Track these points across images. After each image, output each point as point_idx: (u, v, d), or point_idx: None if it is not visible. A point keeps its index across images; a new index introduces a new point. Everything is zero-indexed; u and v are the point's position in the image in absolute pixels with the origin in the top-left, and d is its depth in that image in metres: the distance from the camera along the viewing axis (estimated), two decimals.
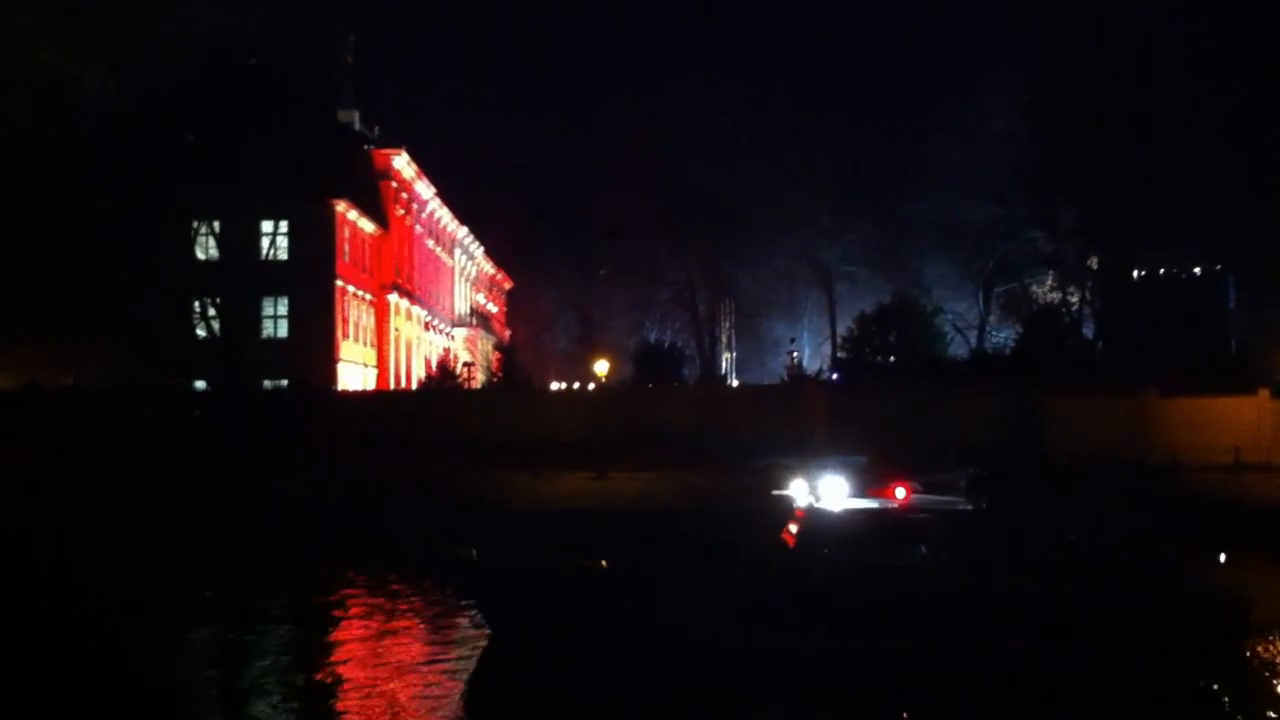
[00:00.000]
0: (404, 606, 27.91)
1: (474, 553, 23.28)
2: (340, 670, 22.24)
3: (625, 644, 21.52)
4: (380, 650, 23.78)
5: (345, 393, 64.30)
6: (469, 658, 22.86)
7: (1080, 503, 36.46)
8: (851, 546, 22.00)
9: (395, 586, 30.22)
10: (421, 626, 25.98)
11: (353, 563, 33.64)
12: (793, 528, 22.79)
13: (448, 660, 22.78)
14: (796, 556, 22.17)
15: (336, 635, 25.71)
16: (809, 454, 25.75)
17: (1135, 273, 74.99)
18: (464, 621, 25.52)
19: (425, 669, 22.22)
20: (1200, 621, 21.69)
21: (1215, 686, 21.21)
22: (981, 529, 22.71)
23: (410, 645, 24.22)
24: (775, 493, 24.13)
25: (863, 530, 22.27)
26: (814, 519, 22.54)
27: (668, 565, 23.17)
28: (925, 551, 22.08)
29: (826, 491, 22.98)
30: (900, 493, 23.01)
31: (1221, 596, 22.30)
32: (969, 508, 23.22)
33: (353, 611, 27.90)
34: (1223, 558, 26.14)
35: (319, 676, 21.94)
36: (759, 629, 21.31)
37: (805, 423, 53.70)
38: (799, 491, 23.37)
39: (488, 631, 23.55)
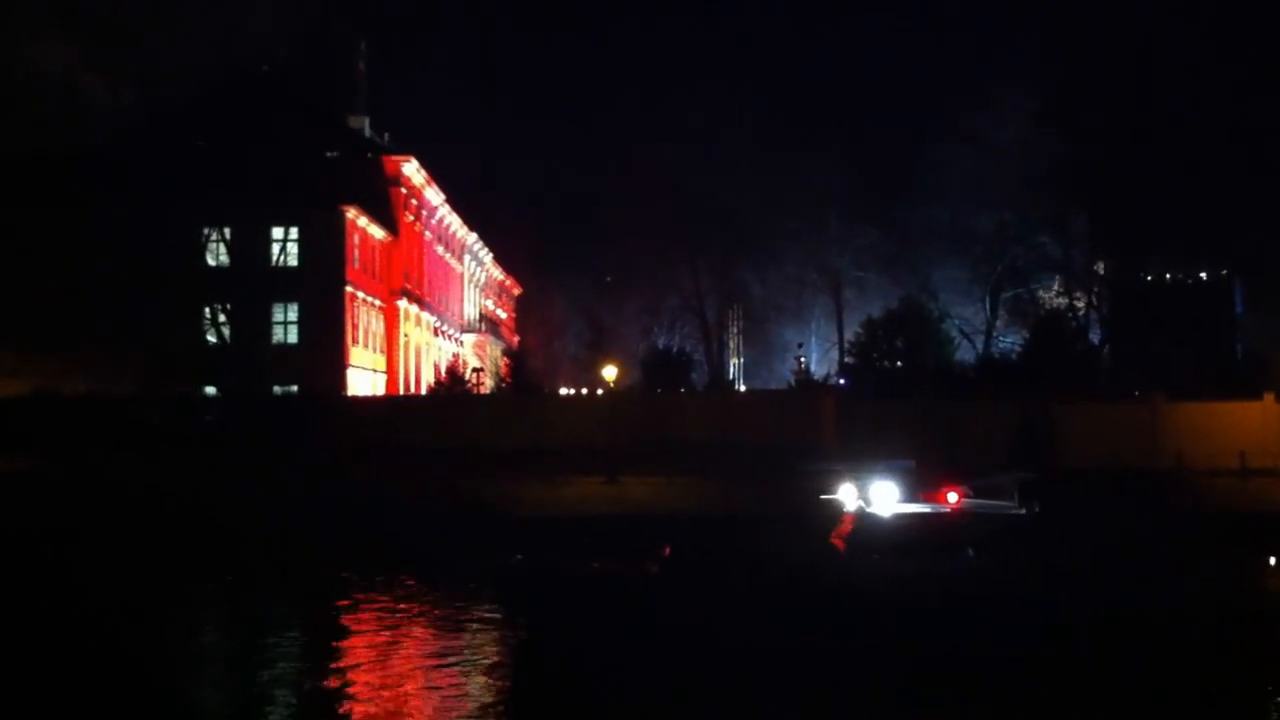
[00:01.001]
0: (414, 609, 28.03)
1: (520, 558, 23.27)
2: (349, 674, 22.29)
3: (675, 648, 21.25)
4: (390, 653, 23.88)
5: (355, 398, 64.41)
6: (477, 660, 22.90)
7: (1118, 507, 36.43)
8: (903, 551, 21.90)
9: (405, 590, 30.30)
10: (431, 630, 26.01)
11: (363, 567, 33.70)
12: (842, 532, 22.71)
13: (457, 663, 22.80)
14: (846, 561, 22.06)
15: (347, 639, 25.70)
16: (857, 459, 25.78)
17: (1142, 278, 75.00)
18: (474, 624, 25.69)
19: (435, 672, 22.24)
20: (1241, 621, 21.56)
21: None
22: (1035, 533, 22.56)
23: (420, 647, 24.31)
24: (824, 497, 24.16)
25: (915, 535, 22.18)
26: (864, 523, 22.44)
27: (718, 570, 22.99)
28: (977, 556, 21.97)
29: (877, 496, 22.91)
30: (952, 497, 22.94)
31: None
32: (1021, 512, 23.11)
33: (363, 615, 27.94)
34: (1273, 560, 26.16)
35: (327, 681, 21.94)
36: (808, 632, 21.08)
37: (815, 428, 53.97)
38: (847, 496, 23.35)
39: (523, 637, 23.36)
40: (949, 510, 22.81)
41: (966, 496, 23.27)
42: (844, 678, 20.66)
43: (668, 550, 22.99)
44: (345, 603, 29.45)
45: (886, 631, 21.04)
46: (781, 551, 23.68)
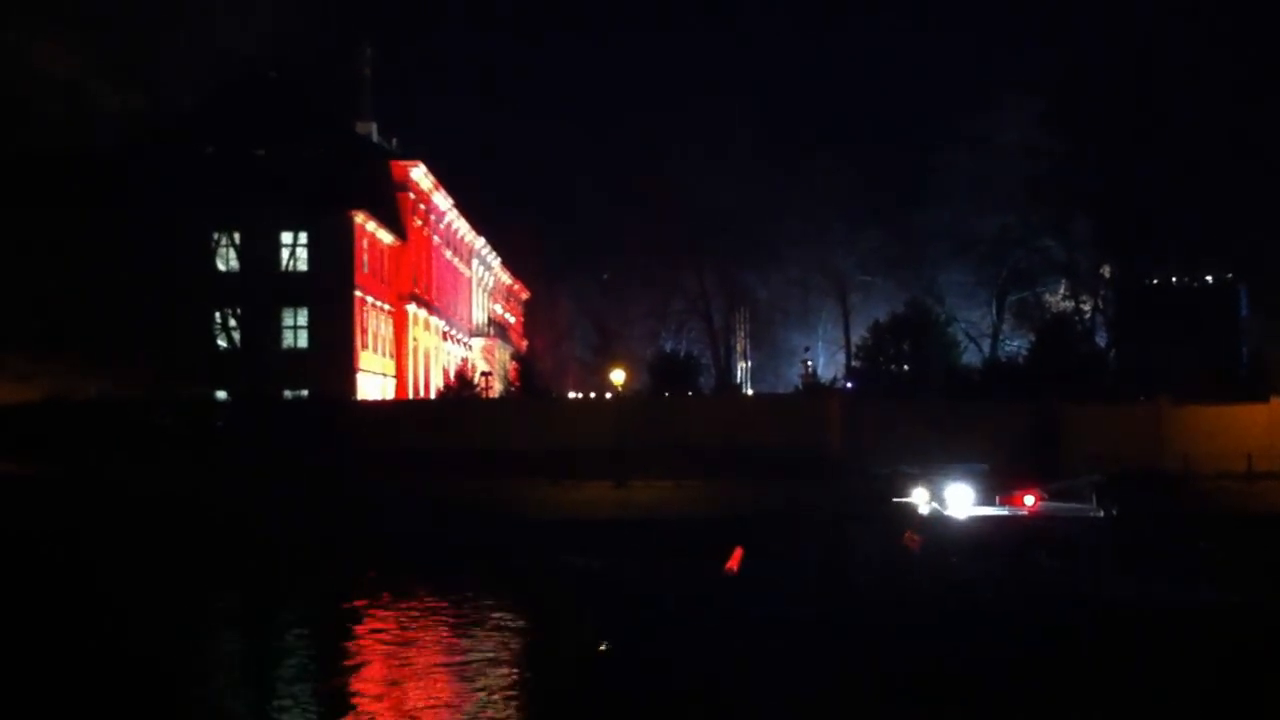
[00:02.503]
0: (427, 610, 28.14)
1: (593, 563, 23.19)
2: (362, 673, 22.48)
3: (755, 645, 20.92)
4: (402, 654, 23.94)
5: (365, 402, 64.49)
6: (489, 661, 22.94)
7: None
8: (981, 553, 21.68)
9: (418, 593, 30.36)
10: (444, 631, 26.11)
11: (374, 570, 33.81)
12: (916, 534, 22.47)
13: (468, 664, 22.86)
14: (921, 563, 21.83)
15: (358, 642, 25.74)
16: (931, 461, 25.72)
17: (1147, 281, 74.97)
18: (488, 625, 25.88)
19: (445, 670, 22.39)
20: None
21: None
22: (1114, 536, 22.25)
23: (431, 650, 24.36)
24: (896, 500, 23.95)
25: (992, 538, 21.95)
26: (940, 526, 22.24)
27: (799, 571, 22.59)
28: (1057, 559, 21.73)
29: (952, 499, 22.75)
30: (1029, 500, 22.81)
31: None
32: (1100, 514, 22.90)
33: (374, 617, 28.02)
34: None
35: (338, 681, 22.08)
36: (884, 634, 20.78)
37: (822, 432, 54.00)
38: (920, 499, 23.21)
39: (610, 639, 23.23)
40: (1027, 513, 22.65)
41: (1043, 499, 23.11)
42: (919, 678, 20.19)
43: (740, 552, 22.81)
44: (355, 604, 29.47)
45: (960, 633, 20.50)
46: (859, 553, 23.39)
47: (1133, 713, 19.42)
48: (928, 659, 20.32)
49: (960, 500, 22.77)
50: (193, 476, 46.15)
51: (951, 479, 23.08)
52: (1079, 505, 23.37)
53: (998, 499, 23.21)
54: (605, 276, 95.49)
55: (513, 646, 24.66)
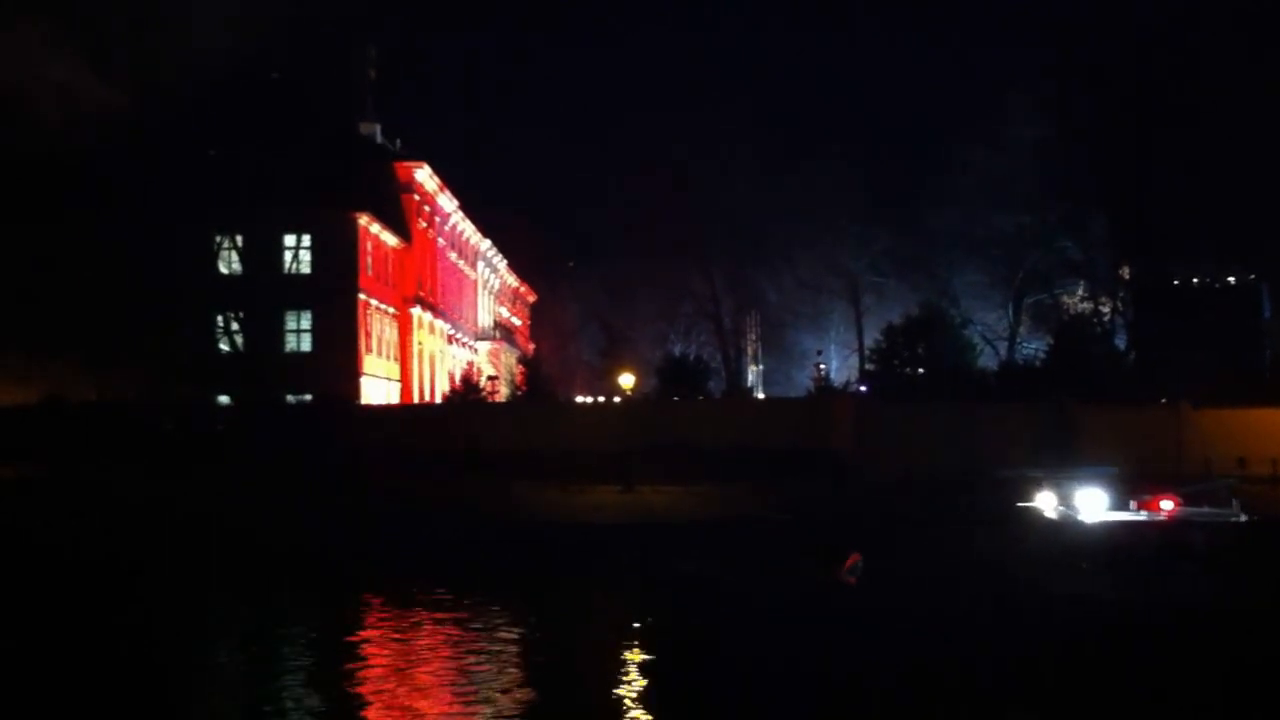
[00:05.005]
0: (436, 618, 27.52)
1: (704, 568, 22.49)
2: (367, 684, 21.71)
3: (879, 647, 20.22)
4: (410, 663, 23.31)
5: (369, 407, 63.89)
6: (499, 662, 22.51)
7: None
8: (1118, 561, 20.94)
9: (423, 601, 29.73)
10: (452, 637, 25.48)
11: (379, 578, 33.02)
12: (1043, 541, 21.80)
13: (479, 671, 22.26)
14: (1048, 569, 21.08)
15: (364, 649, 24.98)
16: (1057, 465, 25.11)
17: (1167, 282, 74.06)
18: (503, 634, 25.28)
19: (451, 682, 21.71)
20: None
21: None
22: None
23: (440, 659, 23.67)
24: (1020, 505, 23.32)
25: (1128, 544, 21.22)
26: (1071, 532, 21.56)
27: (926, 582, 21.93)
28: (1201, 566, 20.95)
29: (1084, 503, 22.08)
30: (1166, 504, 22.01)
31: None
32: (1243, 519, 22.14)
33: (377, 625, 27.49)
34: None
35: (344, 687, 21.47)
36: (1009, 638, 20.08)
37: (835, 436, 53.33)
38: (1046, 503, 22.54)
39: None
40: (1165, 518, 21.77)
41: (1180, 504, 22.25)
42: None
43: (852, 559, 22.03)
44: (358, 611, 28.81)
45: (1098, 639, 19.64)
46: (987, 560, 22.60)
47: None
48: (1092, 669, 19.61)
49: (1093, 504, 21.92)
50: (193, 481, 45.41)
51: (1083, 482, 22.26)
52: (1217, 510, 22.35)
53: (1133, 503, 22.29)
54: (597, 271, 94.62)
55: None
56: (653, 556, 28.31)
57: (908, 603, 21.04)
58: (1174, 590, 20.26)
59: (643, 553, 30.44)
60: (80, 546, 36.19)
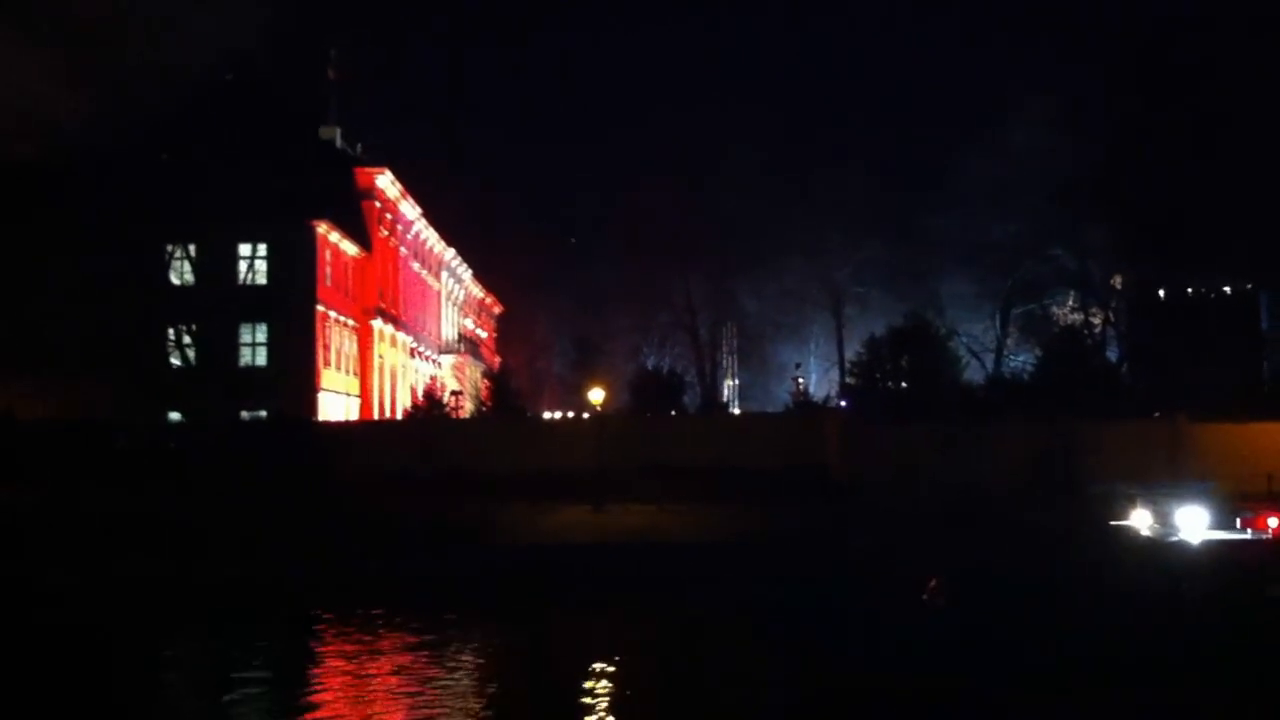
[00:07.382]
0: (389, 639, 27.39)
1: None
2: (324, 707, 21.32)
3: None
4: (365, 683, 23.14)
5: (327, 424, 61.95)
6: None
7: None
8: (1223, 581, 19.69)
9: (379, 621, 29.47)
10: (407, 657, 25.42)
11: (332, 599, 32.46)
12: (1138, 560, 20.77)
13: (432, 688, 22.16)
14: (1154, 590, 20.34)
15: (319, 668, 25.09)
16: (1153, 482, 24.81)
17: (1162, 292, 73.10)
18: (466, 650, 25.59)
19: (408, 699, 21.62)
20: None
21: None
22: None
23: (393, 676, 23.60)
24: (1114, 523, 22.53)
25: (1234, 563, 20.09)
26: (1171, 551, 20.50)
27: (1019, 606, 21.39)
28: None
29: (1184, 521, 21.22)
30: (1274, 522, 21.10)
31: None
32: None
33: (334, 646, 27.08)
34: None
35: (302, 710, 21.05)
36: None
37: (819, 453, 51.97)
38: (1141, 521, 21.70)
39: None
40: (1272, 536, 20.75)
41: None
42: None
43: (934, 582, 21.78)
44: (314, 632, 28.40)
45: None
46: (1082, 581, 22.13)
47: None
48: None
49: (1193, 522, 20.78)
50: (144, 501, 44.11)
51: (1181, 499, 21.38)
52: None
53: (1239, 521, 21.24)
54: (573, 240, 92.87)
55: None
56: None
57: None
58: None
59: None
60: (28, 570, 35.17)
